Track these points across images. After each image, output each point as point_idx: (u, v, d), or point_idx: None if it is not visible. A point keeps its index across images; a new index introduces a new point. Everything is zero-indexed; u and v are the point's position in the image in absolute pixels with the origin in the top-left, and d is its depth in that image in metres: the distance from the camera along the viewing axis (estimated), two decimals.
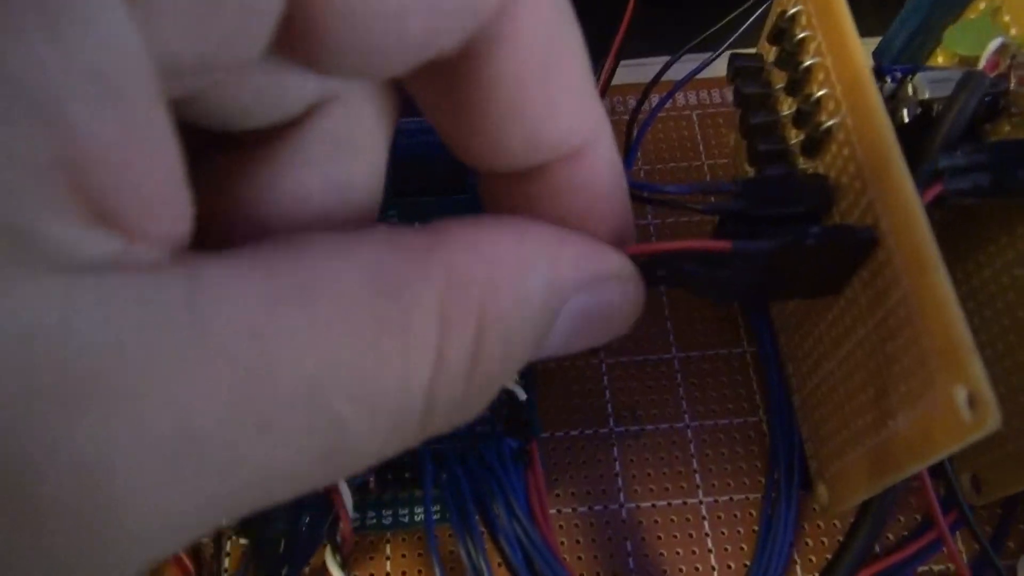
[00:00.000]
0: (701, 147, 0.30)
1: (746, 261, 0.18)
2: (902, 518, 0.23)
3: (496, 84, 0.11)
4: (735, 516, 0.24)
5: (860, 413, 0.19)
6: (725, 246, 0.17)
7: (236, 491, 0.08)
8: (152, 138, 0.08)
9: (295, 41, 0.09)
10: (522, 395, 0.22)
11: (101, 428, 0.07)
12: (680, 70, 0.26)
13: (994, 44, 0.19)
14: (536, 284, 0.11)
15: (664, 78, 0.26)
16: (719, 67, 0.25)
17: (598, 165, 0.13)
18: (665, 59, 0.27)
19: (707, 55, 0.25)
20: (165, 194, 0.08)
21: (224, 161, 0.11)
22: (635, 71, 0.32)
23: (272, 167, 0.11)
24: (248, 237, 0.10)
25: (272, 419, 0.08)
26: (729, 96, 0.31)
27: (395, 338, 0.09)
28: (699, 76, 0.25)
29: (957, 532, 0.21)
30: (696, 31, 0.26)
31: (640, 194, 0.22)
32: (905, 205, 0.16)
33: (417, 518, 0.22)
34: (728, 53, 0.24)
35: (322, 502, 0.20)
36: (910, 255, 0.16)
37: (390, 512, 0.23)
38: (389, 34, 0.09)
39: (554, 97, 0.11)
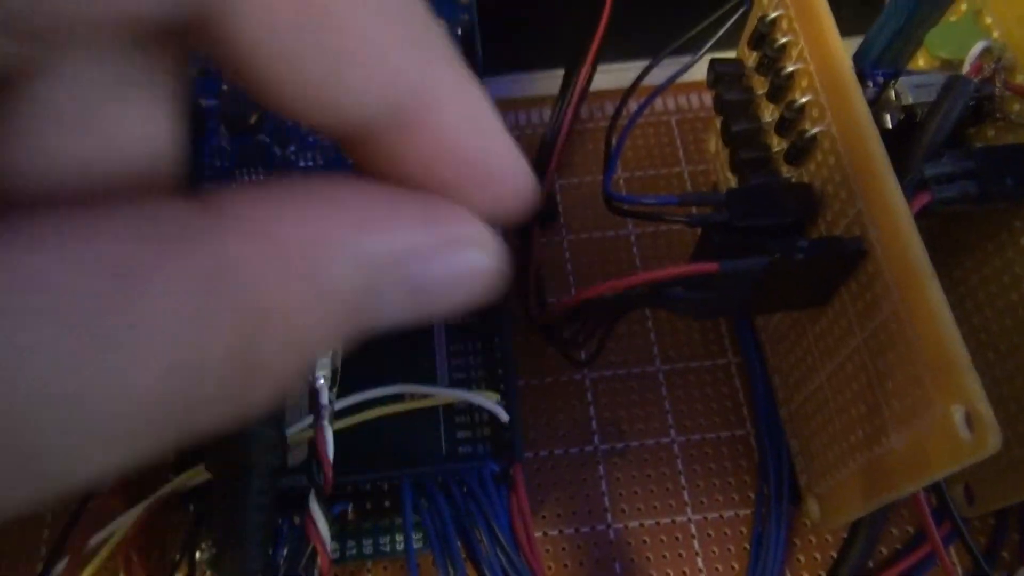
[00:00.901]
0: (681, 153, 0.29)
1: (733, 281, 0.17)
2: (895, 530, 0.22)
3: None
4: (725, 533, 0.23)
5: (851, 429, 0.18)
6: (711, 268, 0.16)
7: None
8: None
9: None
10: (504, 416, 0.21)
11: None
12: (657, 75, 0.25)
13: (978, 47, 0.19)
14: (342, 267, 0.10)
15: (642, 83, 0.26)
16: (697, 71, 0.25)
17: (444, 122, 0.11)
18: (643, 64, 0.26)
19: (686, 59, 0.25)
20: None
21: None
22: (612, 77, 0.31)
23: None
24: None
25: None
26: (708, 101, 0.30)
27: (116, 346, 0.08)
28: (678, 81, 0.25)
29: (951, 545, 0.21)
30: (673, 36, 0.26)
31: (620, 207, 0.21)
32: (894, 216, 0.15)
33: (398, 547, 0.21)
34: (708, 57, 0.24)
35: (299, 535, 0.19)
36: (900, 267, 0.15)
37: (370, 541, 0.22)
38: None
39: (360, 38, 0.10)
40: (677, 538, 0.23)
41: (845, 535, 0.21)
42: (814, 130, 0.18)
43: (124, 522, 0.20)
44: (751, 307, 0.19)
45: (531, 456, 0.24)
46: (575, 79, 0.28)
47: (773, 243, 0.17)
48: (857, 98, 0.17)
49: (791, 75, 0.19)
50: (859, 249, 0.16)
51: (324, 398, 0.21)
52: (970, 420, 0.13)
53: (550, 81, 0.31)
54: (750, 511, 0.23)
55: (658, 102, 0.30)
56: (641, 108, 0.25)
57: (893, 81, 0.19)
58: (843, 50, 0.17)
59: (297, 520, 0.20)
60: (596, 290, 0.19)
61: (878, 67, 0.21)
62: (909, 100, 0.19)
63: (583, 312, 0.20)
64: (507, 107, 0.30)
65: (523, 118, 0.30)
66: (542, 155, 0.28)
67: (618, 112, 0.26)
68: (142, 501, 0.20)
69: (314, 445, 0.20)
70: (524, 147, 0.30)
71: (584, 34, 0.28)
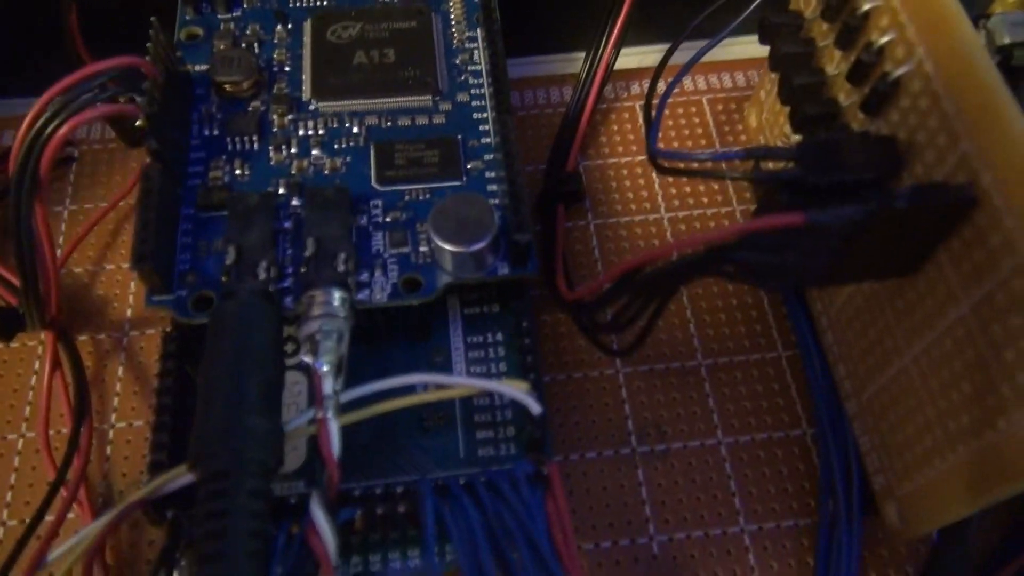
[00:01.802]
0: (714, 132, 0.27)
1: (816, 239, 0.14)
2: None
3: None
4: (784, 546, 0.20)
5: (952, 414, 0.15)
6: (797, 220, 0.14)
7: None
8: None
9: None
10: (536, 408, 0.18)
11: None
12: (684, 56, 0.23)
13: None
14: None
15: (669, 63, 0.24)
16: (727, 51, 0.22)
17: None
18: (665, 46, 0.24)
19: (713, 38, 0.23)
20: None
21: None
22: (635, 59, 0.29)
23: None
24: None
25: None
26: (741, 79, 0.28)
27: None
28: (707, 59, 0.22)
29: None
30: (695, 18, 0.24)
31: (668, 164, 0.19)
32: (1021, 152, 0.13)
33: (414, 563, 0.18)
34: (727, 41, 0.21)
35: (299, 548, 0.16)
36: None
37: (378, 556, 0.19)
38: None
39: None
40: (729, 551, 0.20)
41: (932, 546, 0.19)
42: (899, 71, 0.16)
43: (88, 533, 0.17)
44: (827, 275, 0.17)
45: (560, 460, 0.21)
46: (599, 56, 0.26)
47: (867, 195, 0.14)
48: (962, 23, 0.14)
49: (867, 14, 0.17)
50: (970, 196, 0.14)
51: (328, 387, 0.18)
52: None
53: (572, 63, 0.29)
54: (811, 520, 0.20)
55: (688, 82, 0.28)
56: (675, 81, 0.22)
57: (983, 21, 0.17)
58: None
59: (296, 530, 0.17)
60: (649, 255, 0.16)
61: None
62: (1005, 40, 0.16)
63: (628, 286, 0.17)
64: (527, 85, 0.28)
65: (542, 96, 0.28)
66: (564, 133, 0.26)
67: (652, 86, 0.24)
68: (110, 508, 0.17)
69: (317, 442, 0.17)
70: (546, 126, 0.28)
71: (606, 15, 0.26)
